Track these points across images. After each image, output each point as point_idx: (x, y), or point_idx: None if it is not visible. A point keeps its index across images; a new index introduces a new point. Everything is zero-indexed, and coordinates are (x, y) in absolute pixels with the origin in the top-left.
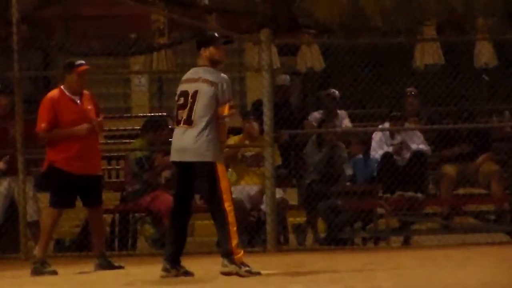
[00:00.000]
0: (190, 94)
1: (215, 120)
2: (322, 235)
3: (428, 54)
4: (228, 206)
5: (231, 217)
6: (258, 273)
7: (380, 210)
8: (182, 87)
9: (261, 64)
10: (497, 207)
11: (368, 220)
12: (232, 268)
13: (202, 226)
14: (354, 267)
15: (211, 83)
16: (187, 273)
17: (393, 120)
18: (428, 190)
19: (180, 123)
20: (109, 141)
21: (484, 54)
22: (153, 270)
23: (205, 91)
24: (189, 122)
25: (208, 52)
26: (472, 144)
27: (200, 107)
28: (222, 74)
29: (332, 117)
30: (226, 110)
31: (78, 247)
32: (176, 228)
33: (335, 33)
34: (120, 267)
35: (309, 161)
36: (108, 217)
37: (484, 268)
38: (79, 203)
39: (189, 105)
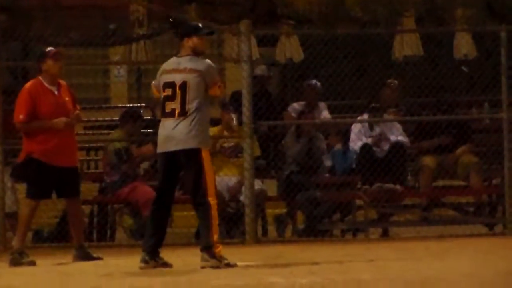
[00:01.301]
0: (178, 85)
1: (204, 106)
2: (301, 226)
3: (407, 45)
4: (212, 200)
5: (214, 211)
6: (235, 265)
7: (358, 202)
8: (166, 78)
9: (240, 55)
10: (476, 199)
11: (346, 211)
12: (212, 262)
13: (181, 217)
14: (333, 258)
15: (198, 72)
16: (166, 265)
17: (372, 111)
18: (407, 181)
19: (169, 115)
20: (88, 132)
21: (463, 45)
22: (132, 261)
23: (194, 81)
24: (183, 113)
25: (191, 42)
26: (451, 136)
27: (192, 97)
28: (206, 60)
29: (312, 109)
30: (217, 91)
31: (56, 238)
32: (157, 220)
33: (314, 24)
34: (98, 258)
35: (288, 153)
36: (86, 208)
37: (463, 260)
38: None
39: (178, 96)
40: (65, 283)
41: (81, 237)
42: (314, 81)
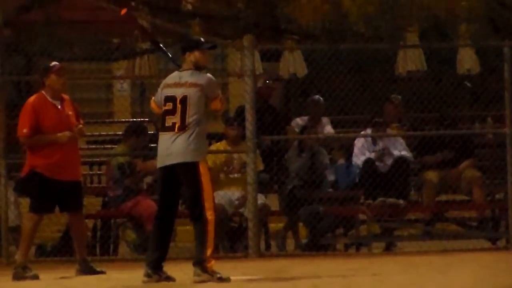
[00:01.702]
0: (179, 99)
1: (203, 120)
2: (304, 241)
3: (410, 60)
4: (210, 215)
5: (211, 226)
6: (229, 279)
7: (362, 216)
8: (167, 92)
9: (244, 70)
10: (479, 214)
11: (349, 226)
12: (204, 277)
13: (184, 231)
14: (336, 273)
15: (199, 86)
16: (169, 279)
17: (375, 126)
18: (410, 196)
19: (169, 129)
20: (91, 146)
21: (467, 60)
22: (135, 275)
23: (195, 95)
24: (183, 127)
25: (193, 56)
26: (454, 151)
27: (193, 112)
28: (207, 74)
29: (315, 123)
30: (218, 104)
31: (60, 252)
32: (160, 234)
33: (318, 39)
34: (101, 272)
35: (290, 167)
36: (90, 222)
37: (465, 274)
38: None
39: (179, 111)
40: None
41: (84, 251)
42: (317, 97)
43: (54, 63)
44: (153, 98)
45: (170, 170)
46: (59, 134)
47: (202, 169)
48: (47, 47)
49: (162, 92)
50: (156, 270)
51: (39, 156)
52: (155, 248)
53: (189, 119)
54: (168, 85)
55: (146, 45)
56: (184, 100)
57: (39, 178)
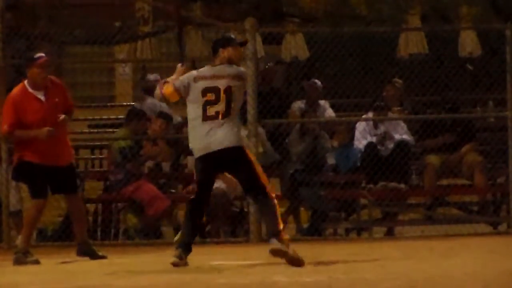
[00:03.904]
0: (222, 90)
1: (240, 109)
2: (305, 225)
3: (412, 43)
4: (271, 191)
5: (276, 201)
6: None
7: (363, 201)
8: (206, 83)
9: (246, 53)
10: (480, 198)
11: (351, 210)
12: (282, 247)
13: None
14: (337, 258)
15: (240, 78)
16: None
17: (376, 110)
18: (411, 180)
19: (212, 118)
20: (92, 130)
21: (468, 43)
22: (136, 259)
23: (237, 86)
24: (227, 114)
25: (226, 52)
26: (456, 134)
27: (237, 101)
28: (242, 68)
29: (314, 107)
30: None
31: (61, 236)
32: (195, 218)
33: (319, 22)
34: (103, 257)
35: (292, 151)
36: (91, 207)
37: (467, 259)
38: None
39: (223, 100)
40: (69, 282)
41: (84, 233)
42: (314, 80)
43: (39, 54)
44: (172, 85)
45: (215, 156)
46: (37, 131)
47: (249, 152)
48: (49, 31)
49: (197, 84)
50: (187, 253)
51: (25, 144)
52: (190, 232)
53: (233, 108)
54: (205, 77)
55: (147, 28)
56: (228, 90)
57: (28, 166)
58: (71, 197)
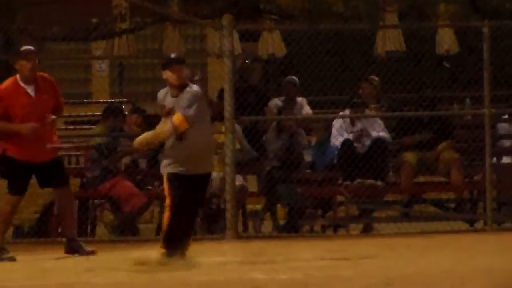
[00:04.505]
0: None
1: None
2: (282, 222)
3: (389, 40)
4: None
5: None
6: None
7: (339, 198)
8: None
9: (223, 50)
10: (457, 195)
11: (327, 207)
12: None
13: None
14: (314, 255)
15: None
16: None
17: (354, 107)
18: (388, 177)
19: None
20: (69, 127)
21: (446, 41)
22: (112, 256)
23: None
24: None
25: (165, 75)
26: (433, 132)
27: None
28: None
29: (292, 104)
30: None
31: (37, 233)
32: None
33: (296, 19)
34: (91, 253)
35: (269, 148)
36: None
37: (443, 256)
38: (38, 189)
39: None
40: (46, 279)
41: (74, 229)
42: (292, 77)
43: (24, 47)
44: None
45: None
46: (22, 126)
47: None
48: (26, 26)
49: None
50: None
51: (10, 139)
52: (189, 234)
53: None
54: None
55: (125, 25)
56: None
57: (10, 161)
58: (61, 191)
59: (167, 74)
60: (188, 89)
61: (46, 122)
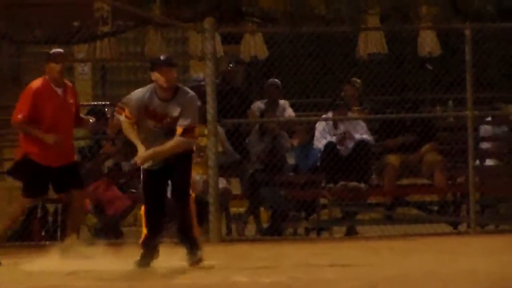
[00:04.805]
0: None
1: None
2: (265, 225)
3: (371, 43)
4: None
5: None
6: None
7: (323, 200)
8: None
9: (205, 53)
10: (440, 198)
11: (311, 210)
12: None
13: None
14: (297, 258)
15: None
16: None
17: (336, 108)
18: (371, 180)
19: None
20: None
21: (428, 43)
22: (96, 260)
23: None
24: None
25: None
26: (416, 134)
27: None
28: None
29: (274, 107)
30: None
31: (21, 237)
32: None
33: (279, 22)
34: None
35: (252, 151)
36: (51, 207)
37: (427, 258)
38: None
39: None
40: (29, 282)
41: (79, 232)
42: (274, 80)
43: (54, 50)
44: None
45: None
46: (47, 136)
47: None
48: (8, 30)
49: None
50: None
51: (33, 143)
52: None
53: None
54: None
55: (107, 28)
56: None
57: (32, 165)
58: (76, 194)
59: (156, 76)
60: (184, 92)
61: (87, 124)
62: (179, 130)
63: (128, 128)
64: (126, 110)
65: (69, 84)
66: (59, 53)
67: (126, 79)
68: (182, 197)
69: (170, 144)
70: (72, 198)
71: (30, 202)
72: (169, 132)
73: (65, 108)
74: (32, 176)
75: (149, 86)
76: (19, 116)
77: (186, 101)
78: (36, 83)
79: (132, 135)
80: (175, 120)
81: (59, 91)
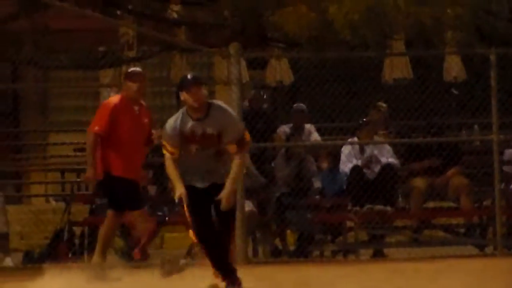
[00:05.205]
0: None
1: None
2: (292, 247)
3: (397, 68)
4: None
5: None
6: None
7: (349, 223)
8: None
9: (230, 78)
10: (466, 221)
11: (337, 233)
12: None
13: (171, 238)
14: (324, 280)
15: None
16: None
17: (362, 126)
18: (398, 203)
19: None
20: (78, 154)
21: (453, 68)
22: (123, 282)
23: None
24: None
25: (182, 97)
26: (442, 158)
27: None
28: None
29: (300, 131)
30: None
31: (47, 258)
32: None
33: (303, 47)
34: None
35: (278, 175)
36: (78, 230)
37: (453, 281)
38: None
39: None
40: None
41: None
42: (301, 105)
43: (132, 69)
44: None
45: None
46: (92, 169)
47: None
48: (33, 56)
49: None
50: None
51: (114, 158)
52: None
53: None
54: None
55: (132, 53)
56: None
57: (117, 180)
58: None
59: (184, 96)
60: (217, 107)
61: (155, 138)
62: (232, 149)
63: (170, 166)
64: (167, 145)
65: (144, 104)
66: (138, 72)
67: (151, 104)
68: (226, 227)
69: (236, 169)
70: (136, 217)
71: (120, 218)
72: (216, 153)
73: (140, 127)
74: (120, 191)
75: (180, 111)
76: (96, 128)
77: (223, 115)
78: (114, 99)
79: (173, 174)
80: (214, 137)
81: (136, 109)
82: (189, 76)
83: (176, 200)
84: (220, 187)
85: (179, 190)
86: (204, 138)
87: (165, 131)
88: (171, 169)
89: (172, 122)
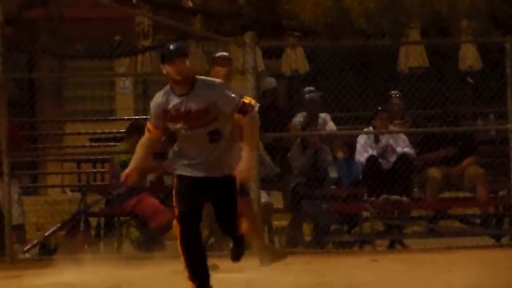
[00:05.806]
0: None
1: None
2: (308, 238)
3: (412, 57)
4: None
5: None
6: None
7: (365, 214)
8: None
9: (246, 67)
10: (482, 211)
11: (353, 223)
12: None
13: None
14: (340, 270)
15: None
16: None
17: (378, 114)
18: (413, 193)
19: None
20: (93, 144)
21: (469, 57)
22: (138, 272)
23: None
24: None
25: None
26: (457, 147)
27: None
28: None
29: (315, 120)
30: None
31: (64, 250)
32: None
33: (319, 36)
34: None
35: (294, 164)
36: (93, 220)
37: (469, 271)
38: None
39: None
40: None
41: None
42: (312, 94)
43: (219, 53)
44: None
45: None
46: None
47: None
48: (49, 45)
49: None
50: None
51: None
52: None
53: None
54: None
55: (148, 42)
56: None
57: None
58: None
59: (167, 69)
60: (202, 81)
61: None
62: (237, 116)
63: (140, 145)
64: (148, 123)
65: None
66: (225, 56)
67: None
68: (229, 232)
69: (246, 131)
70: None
71: None
72: (210, 137)
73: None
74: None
75: (164, 88)
76: None
77: (209, 88)
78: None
79: (137, 153)
80: (201, 114)
81: None
82: (172, 47)
83: (121, 179)
84: (219, 181)
85: (128, 169)
86: (189, 116)
87: (151, 109)
88: (138, 148)
89: (156, 98)
